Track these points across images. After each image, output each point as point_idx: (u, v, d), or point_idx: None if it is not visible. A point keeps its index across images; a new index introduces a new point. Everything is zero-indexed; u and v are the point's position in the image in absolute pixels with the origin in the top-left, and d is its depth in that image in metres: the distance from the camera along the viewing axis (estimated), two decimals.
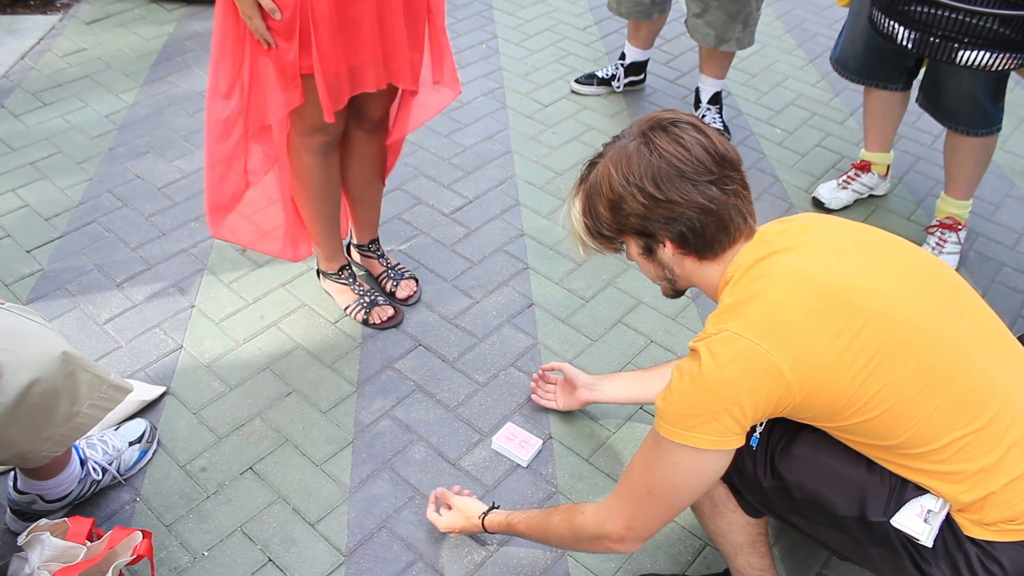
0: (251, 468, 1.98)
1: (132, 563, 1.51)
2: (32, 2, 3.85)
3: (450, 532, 1.82)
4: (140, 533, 1.53)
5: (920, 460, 1.26)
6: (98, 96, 3.22)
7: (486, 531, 1.74)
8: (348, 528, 1.86)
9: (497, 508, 1.76)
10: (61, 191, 2.75)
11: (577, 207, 1.44)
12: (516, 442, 2.03)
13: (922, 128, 3.31)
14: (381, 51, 1.88)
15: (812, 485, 1.37)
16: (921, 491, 1.29)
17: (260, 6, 1.74)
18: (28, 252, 2.52)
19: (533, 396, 2.13)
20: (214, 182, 2.07)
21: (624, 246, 1.45)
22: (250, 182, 2.09)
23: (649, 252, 1.41)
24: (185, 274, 2.47)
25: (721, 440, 1.26)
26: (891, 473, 1.31)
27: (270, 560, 1.79)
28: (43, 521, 1.50)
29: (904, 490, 1.30)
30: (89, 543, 1.49)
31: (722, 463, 1.31)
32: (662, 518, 1.39)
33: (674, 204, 1.30)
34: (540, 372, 2.15)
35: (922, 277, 1.33)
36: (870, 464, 1.33)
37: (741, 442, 1.28)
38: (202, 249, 2.55)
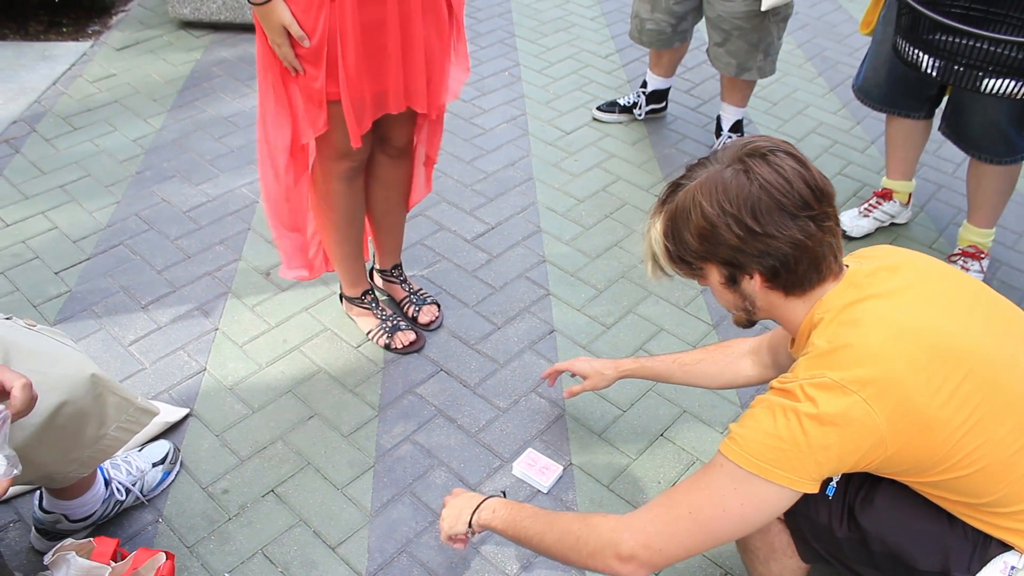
0: (273, 491, 1.98)
1: None
2: (65, 29, 3.94)
3: (443, 531, 1.68)
4: (164, 555, 1.54)
5: (1009, 519, 1.24)
6: (127, 121, 3.28)
7: (469, 527, 1.60)
8: (368, 552, 1.86)
9: (498, 496, 1.63)
10: (89, 214, 2.79)
11: (658, 228, 1.38)
12: (537, 468, 2.02)
13: (944, 156, 3.30)
14: (403, 78, 1.90)
15: (894, 538, 1.34)
16: (1004, 547, 1.26)
17: (289, 34, 1.77)
18: (56, 273, 2.55)
19: (566, 391, 2.08)
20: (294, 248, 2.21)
21: (703, 272, 1.39)
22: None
23: (732, 282, 1.35)
24: (209, 297, 2.50)
25: (796, 480, 1.22)
26: (973, 528, 1.28)
27: None
28: (69, 541, 1.52)
29: (987, 546, 1.27)
30: (113, 563, 1.50)
31: (786, 502, 1.25)
32: (686, 548, 1.30)
33: (771, 238, 1.25)
34: (553, 373, 2.11)
35: (1005, 325, 1.30)
36: (951, 519, 1.30)
37: (815, 489, 1.24)
38: (226, 272, 2.58)
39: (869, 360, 1.20)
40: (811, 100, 3.68)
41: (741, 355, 1.82)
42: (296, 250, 2.22)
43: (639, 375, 1.97)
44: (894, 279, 1.31)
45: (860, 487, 1.39)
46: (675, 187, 1.37)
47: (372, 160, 2.20)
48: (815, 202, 1.25)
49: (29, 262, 2.59)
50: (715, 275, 1.37)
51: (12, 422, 1.20)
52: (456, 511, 1.64)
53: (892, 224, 2.92)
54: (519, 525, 1.50)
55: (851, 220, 2.86)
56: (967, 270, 2.63)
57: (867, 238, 2.86)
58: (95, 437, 1.56)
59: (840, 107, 3.62)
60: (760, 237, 1.25)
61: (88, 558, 1.49)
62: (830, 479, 1.40)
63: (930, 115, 2.72)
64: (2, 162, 3.02)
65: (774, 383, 1.27)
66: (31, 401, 1.21)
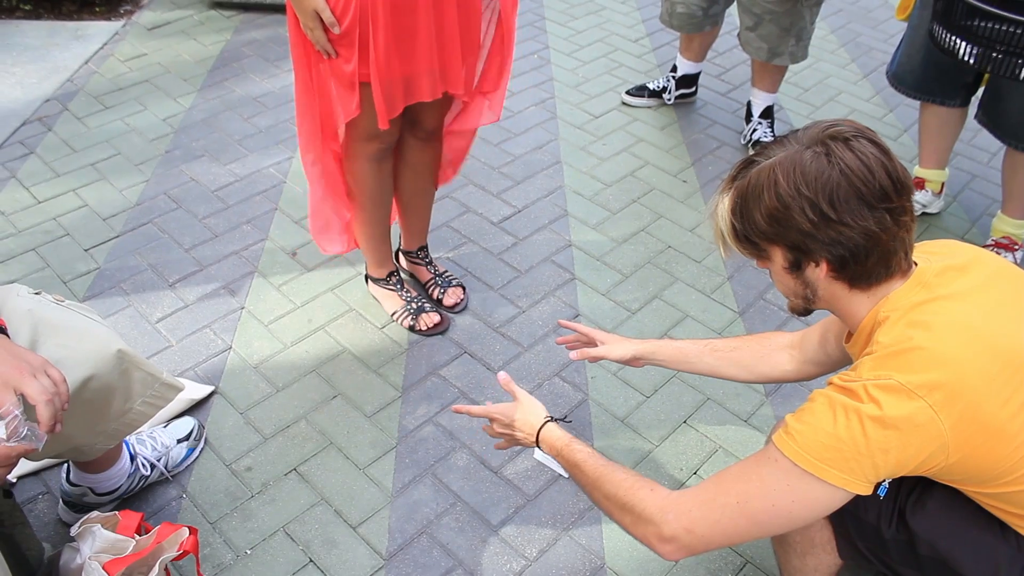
0: (295, 469, 2.00)
1: (178, 559, 1.54)
2: (98, 8, 3.96)
3: (494, 426, 1.65)
4: (187, 529, 1.55)
5: None
6: (157, 100, 3.30)
7: (536, 445, 1.57)
8: (389, 532, 1.87)
9: (563, 420, 1.58)
10: (119, 192, 2.82)
11: (726, 204, 1.33)
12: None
13: (979, 145, 3.24)
14: (437, 61, 1.89)
15: (944, 544, 1.31)
16: None
17: (321, 19, 1.77)
18: (86, 251, 2.58)
19: (573, 355, 1.85)
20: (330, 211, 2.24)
21: (767, 255, 1.33)
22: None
23: (796, 268, 1.30)
24: (236, 276, 2.51)
25: (851, 481, 1.18)
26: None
27: (311, 561, 1.81)
28: (95, 514, 1.54)
29: None
30: (138, 537, 1.51)
31: (838, 502, 1.22)
32: (730, 537, 1.28)
33: (845, 227, 1.20)
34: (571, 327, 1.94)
35: None
36: (1004, 528, 1.28)
37: (869, 490, 1.21)
38: (253, 252, 2.59)
39: (938, 365, 1.15)
40: (844, 87, 3.63)
41: (779, 348, 1.74)
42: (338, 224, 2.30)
43: (660, 357, 1.81)
44: (963, 280, 1.26)
45: (912, 489, 1.36)
46: (748, 163, 1.30)
47: (401, 143, 2.20)
48: (895, 194, 1.20)
49: (59, 239, 2.62)
50: (780, 259, 1.31)
51: (50, 433, 1.23)
52: (529, 428, 1.59)
53: (924, 213, 2.87)
54: (573, 466, 1.49)
55: None
56: None
57: None
58: (121, 411, 1.58)
59: (873, 94, 3.56)
60: (834, 224, 1.20)
61: (113, 531, 1.51)
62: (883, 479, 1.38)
63: (965, 103, 2.66)
64: (34, 140, 3.05)
65: (835, 379, 1.23)
66: (56, 411, 1.24)
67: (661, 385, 2.23)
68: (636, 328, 2.40)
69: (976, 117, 2.59)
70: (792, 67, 3.60)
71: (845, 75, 3.72)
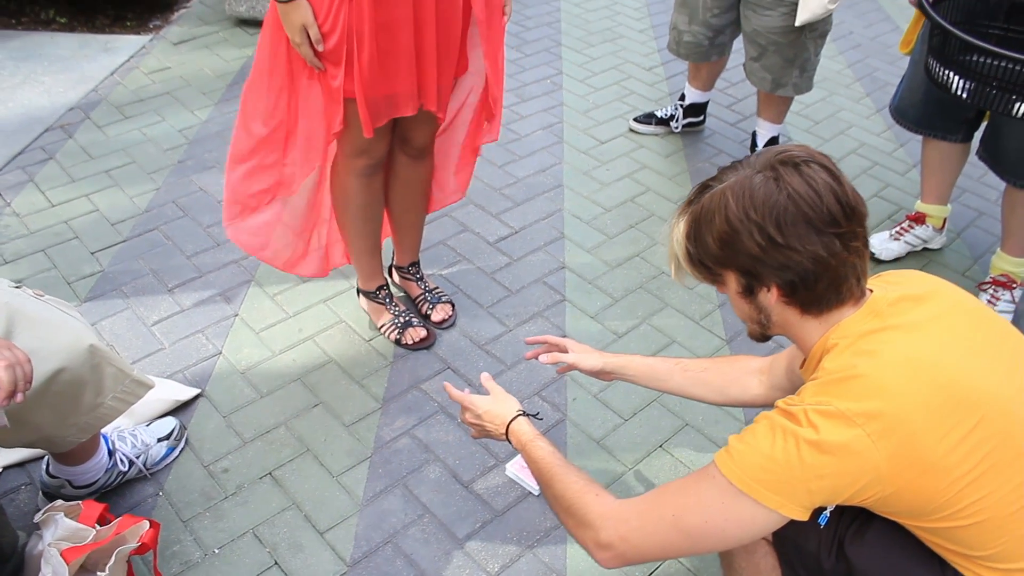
0: (270, 473, 2.04)
1: (137, 551, 1.57)
2: (129, 23, 4.10)
3: (465, 414, 1.71)
4: (148, 522, 1.59)
5: (1003, 575, 1.20)
6: (175, 112, 3.40)
7: (506, 438, 1.63)
8: (355, 540, 1.89)
9: (533, 416, 1.64)
10: (129, 199, 2.90)
11: (681, 229, 1.33)
12: (529, 470, 2.02)
13: (988, 183, 3.21)
14: (416, 81, 1.94)
15: None
16: None
17: (308, 34, 1.83)
18: (92, 254, 2.66)
19: (544, 358, 1.84)
20: (235, 183, 2.16)
21: (721, 279, 1.34)
22: (277, 194, 2.16)
23: (749, 293, 1.30)
24: (233, 284, 2.57)
25: (785, 504, 1.18)
26: None
27: (276, 563, 1.84)
28: (59, 502, 1.58)
29: None
30: (98, 527, 1.55)
31: (772, 525, 1.22)
32: (664, 550, 1.30)
33: (792, 251, 1.20)
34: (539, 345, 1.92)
35: None
36: (943, 565, 1.26)
37: (804, 516, 1.20)
38: (252, 261, 2.65)
39: (880, 394, 1.15)
40: (855, 120, 3.62)
41: (749, 372, 1.74)
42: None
43: (629, 372, 1.78)
44: (918, 311, 1.25)
45: (853, 520, 1.36)
46: (703, 188, 1.31)
47: (393, 159, 2.25)
48: (843, 219, 1.20)
49: (68, 241, 2.71)
50: (733, 283, 1.32)
51: (8, 400, 1.28)
52: (499, 419, 1.65)
53: (925, 249, 2.85)
54: (532, 462, 1.55)
55: (881, 243, 2.80)
56: (997, 300, 2.56)
57: (897, 262, 2.79)
58: (92, 405, 1.63)
59: (884, 129, 3.55)
60: (781, 249, 1.20)
61: (75, 520, 1.55)
62: (823, 508, 1.37)
63: (968, 138, 2.65)
64: (55, 146, 3.16)
65: (780, 403, 1.23)
66: (17, 381, 1.29)
67: (640, 408, 2.23)
68: (621, 351, 2.39)
69: (977, 153, 2.58)
70: (804, 99, 3.62)
71: (858, 109, 3.71)
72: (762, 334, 1.39)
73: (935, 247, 2.85)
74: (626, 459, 2.11)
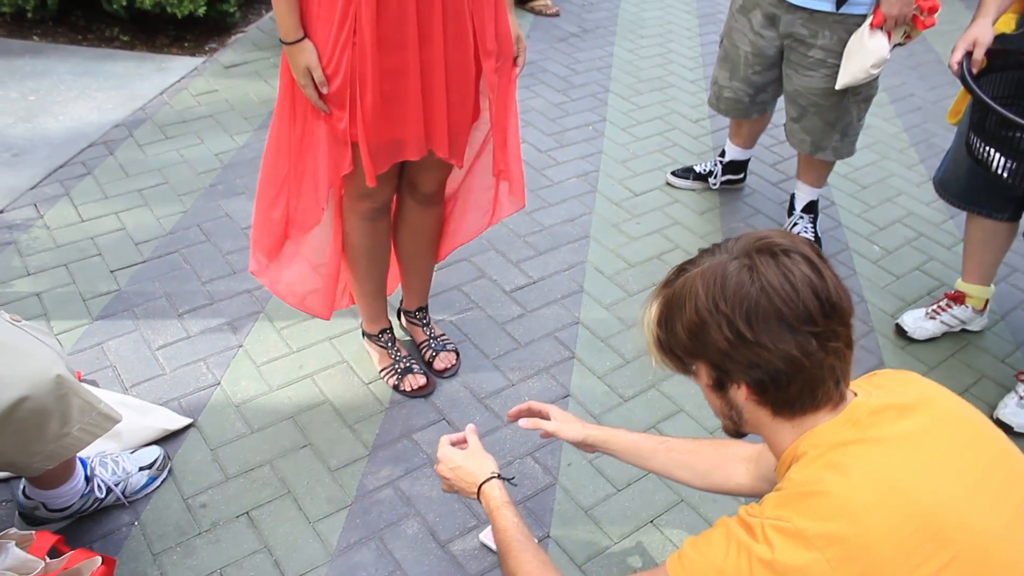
0: (247, 513, 2.00)
1: None
2: (187, 44, 4.20)
3: (439, 466, 1.70)
4: (100, 559, 1.57)
5: None
6: (215, 135, 3.44)
7: (476, 498, 1.62)
8: None
9: (508, 481, 1.62)
10: (156, 219, 2.94)
11: (653, 313, 1.27)
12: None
13: None
14: (423, 127, 1.90)
15: None
16: None
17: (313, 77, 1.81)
18: (111, 272, 2.69)
19: (524, 423, 1.76)
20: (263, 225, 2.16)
21: (693, 370, 1.26)
22: (290, 235, 2.14)
23: (720, 387, 1.23)
24: (242, 314, 2.57)
25: None
26: None
27: None
28: (12, 530, 1.57)
29: None
30: (48, 559, 1.53)
31: None
32: None
33: (762, 348, 1.12)
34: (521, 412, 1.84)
35: (1018, 503, 1.12)
36: None
37: None
38: (264, 293, 2.64)
39: (844, 516, 1.06)
40: (905, 187, 3.47)
41: (737, 459, 1.64)
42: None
43: (611, 447, 1.71)
44: (902, 423, 1.15)
45: None
46: (680, 270, 1.25)
47: (401, 204, 2.23)
48: (821, 317, 1.11)
49: (91, 258, 2.74)
50: (704, 376, 1.24)
51: None
52: (472, 478, 1.63)
53: (964, 330, 2.69)
54: (495, 530, 1.54)
55: (915, 321, 2.65)
56: None
57: (932, 342, 2.65)
58: (58, 434, 1.62)
59: (934, 199, 3.39)
60: (751, 345, 1.12)
61: (25, 550, 1.53)
62: None
63: (1016, 217, 2.49)
64: (95, 162, 3.23)
65: (742, 511, 1.15)
66: None
67: (636, 479, 2.14)
68: (625, 416, 2.32)
69: (1022, 233, 2.43)
70: (853, 162, 3.50)
71: (910, 176, 3.56)
72: (735, 430, 1.31)
73: (975, 329, 2.70)
74: (613, 532, 2.01)
